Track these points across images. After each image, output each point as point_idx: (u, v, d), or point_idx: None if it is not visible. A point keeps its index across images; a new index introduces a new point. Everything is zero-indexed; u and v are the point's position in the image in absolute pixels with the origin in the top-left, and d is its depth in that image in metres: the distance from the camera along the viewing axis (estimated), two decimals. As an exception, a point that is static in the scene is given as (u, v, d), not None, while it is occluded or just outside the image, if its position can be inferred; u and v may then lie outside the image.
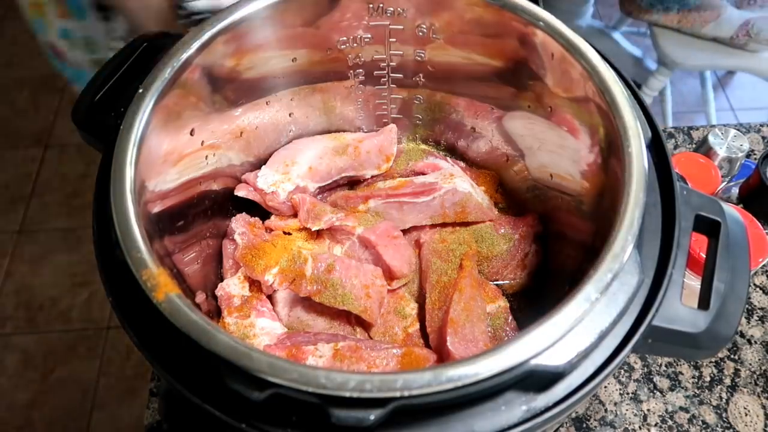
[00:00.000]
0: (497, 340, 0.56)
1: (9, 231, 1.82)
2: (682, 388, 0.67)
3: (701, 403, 0.67)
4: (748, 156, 0.87)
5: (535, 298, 0.62)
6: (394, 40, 0.59)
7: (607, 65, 0.46)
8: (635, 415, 0.66)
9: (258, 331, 0.54)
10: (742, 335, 0.71)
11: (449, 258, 0.59)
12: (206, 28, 0.48)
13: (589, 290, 0.36)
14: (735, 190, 0.73)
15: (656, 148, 0.46)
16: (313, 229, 0.60)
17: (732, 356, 0.70)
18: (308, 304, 0.58)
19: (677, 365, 0.69)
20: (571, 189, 0.55)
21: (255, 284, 0.58)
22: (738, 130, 0.77)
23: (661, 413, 0.66)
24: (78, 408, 1.51)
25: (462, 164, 0.69)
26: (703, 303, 0.40)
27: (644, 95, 1.45)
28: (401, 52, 0.60)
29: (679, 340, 0.39)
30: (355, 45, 0.59)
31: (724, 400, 0.67)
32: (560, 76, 0.50)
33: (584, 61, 0.46)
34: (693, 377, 0.68)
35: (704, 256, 0.50)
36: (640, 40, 1.86)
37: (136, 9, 0.75)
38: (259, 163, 0.65)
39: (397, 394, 0.32)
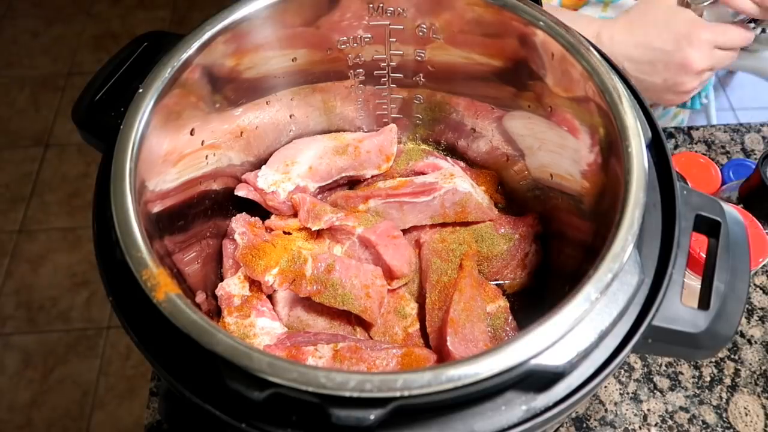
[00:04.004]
0: (497, 340, 0.56)
1: (9, 231, 1.82)
2: (682, 388, 0.67)
3: (701, 403, 0.67)
4: (748, 156, 0.87)
5: (535, 298, 0.62)
6: (394, 39, 0.59)
7: (607, 65, 0.46)
8: (635, 415, 0.66)
9: (258, 330, 0.54)
10: (742, 335, 0.71)
11: (449, 258, 0.59)
12: (206, 27, 0.48)
13: (589, 290, 0.35)
14: (735, 191, 0.73)
15: (656, 148, 0.46)
16: (313, 229, 0.60)
17: (732, 356, 0.70)
18: (308, 304, 0.58)
19: (677, 365, 0.69)
20: (571, 189, 0.55)
21: (255, 284, 0.58)
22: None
23: (661, 413, 0.66)
24: (78, 408, 1.51)
25: (462, 164, 0.69)
26: (703, 303, 0.40)
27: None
28: (401, 52, 0.60)
29: (679, 340, 0.39)
30: (355, 45, 0.59)
31: (724, 400, 0.67)
32: (560, 76, 0.50)
33: (584, 61, 0.46)
34: (693, 377, 0.68)
35: (704, 256, 0.50)
36: (640, 40, 1.86)
37: None
38: (260, 163, 0.65)
39: (398, 393, 0.32)
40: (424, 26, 0.57)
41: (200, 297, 0.54)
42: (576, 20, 0.82)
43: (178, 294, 0.36)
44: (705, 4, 0.71)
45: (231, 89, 0.55)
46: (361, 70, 0.62)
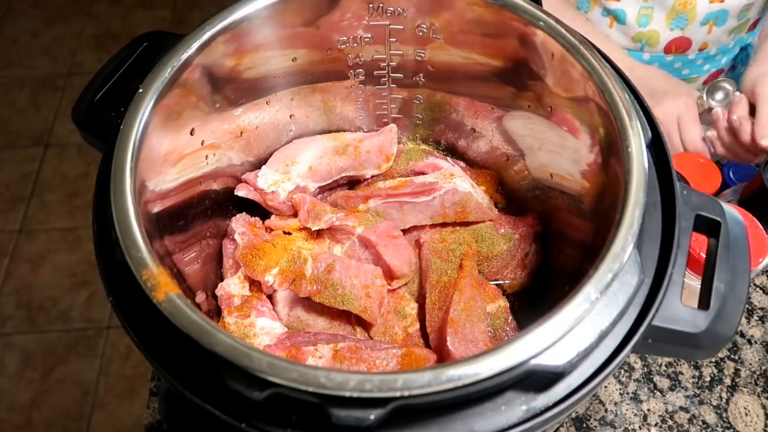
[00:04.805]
0: (497, 340, 0.56)
1: (9, 231, 1.82)
2: (682, 388, 0.68)
3: (701, 403, 0.67)
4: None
5: (535, 298, 0.62)
6: (394, 39, 0.59)
7: (607, 65, 0.46)
8: (635, 415, 0.66)
9: (258, 330, 0.54)
10: (742, 335, 0.71)
11: (449, 258, 0.59)
12: (206, 27, 0.49)
13: (589, 290, 0.36)
14: (737, 194, 0.73)
15: (656, 148, 0.46)
16: (313, 229, 0.60)
17: (732, 356, 0.70)
18: (308, 303, 0.58)
19: (677, 365, 0.69)
20: (571, 189, 0.55)
21: (255, 284, 0.58)
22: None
23: (661, 413, 0.66)
24: (78, 408, 1.51)
25: (462, 164, 0.69)
26: (703, 303, 0.40)
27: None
28: (401, 52, 0.60)
29: (679, 340, 0.39)
30: (355, 45, 0.59)
31: (724, 400, 0.67)
32: (560, 76, 0.50)
33: (584, 61, 0.46)
34: (693, 377, 0.68)
35: (704, 256, 0.50)
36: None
37: None
38: (260, 163, 0.65)
39: (397, 393, 0.32)
40: (424, 26, 0.57)
41: (200, 297, 0.54)
42: (615, 50, 0.93)
43: (178, 294, 0.36)
44: (700, 96, 0.85)
45: (231, 89, 0.55)
46: (361, 70, 0.62)
